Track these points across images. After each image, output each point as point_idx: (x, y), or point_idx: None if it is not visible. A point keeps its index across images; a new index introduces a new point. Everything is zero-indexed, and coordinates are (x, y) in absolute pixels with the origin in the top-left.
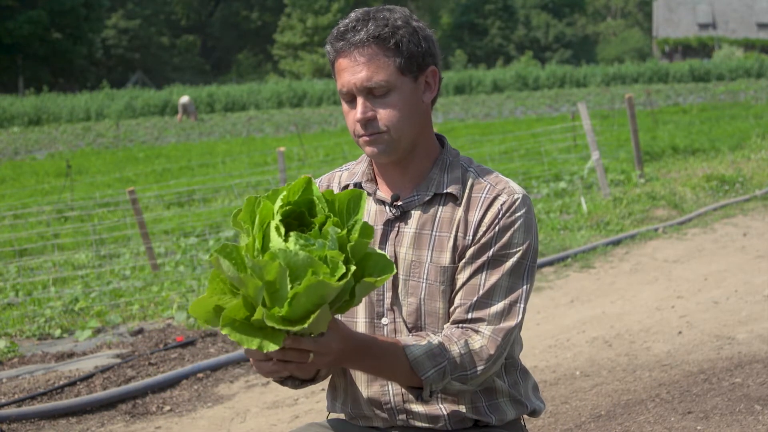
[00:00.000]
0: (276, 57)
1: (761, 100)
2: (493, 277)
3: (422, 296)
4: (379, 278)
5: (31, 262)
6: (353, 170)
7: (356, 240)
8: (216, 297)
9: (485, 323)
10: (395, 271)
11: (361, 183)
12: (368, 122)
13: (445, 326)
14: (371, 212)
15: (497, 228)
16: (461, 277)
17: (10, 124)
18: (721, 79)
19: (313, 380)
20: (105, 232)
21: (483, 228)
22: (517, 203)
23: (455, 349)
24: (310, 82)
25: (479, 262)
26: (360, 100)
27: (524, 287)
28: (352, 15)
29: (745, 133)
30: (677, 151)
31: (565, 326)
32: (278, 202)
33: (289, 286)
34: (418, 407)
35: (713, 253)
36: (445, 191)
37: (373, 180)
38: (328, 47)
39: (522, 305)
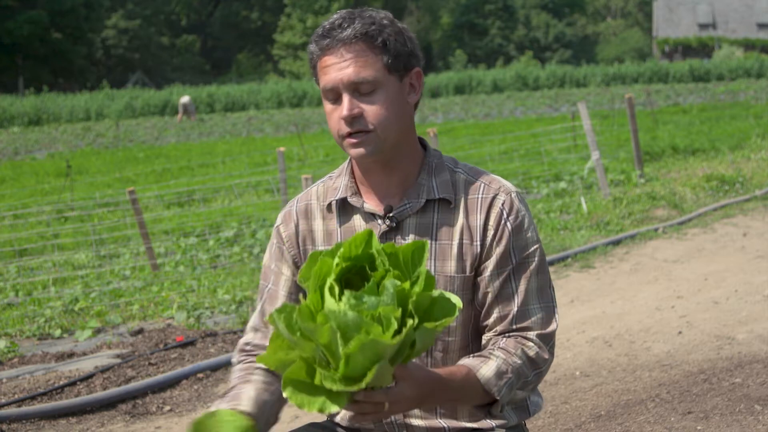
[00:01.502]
0: (276, 57)
1: (761, 100)
2: (524, 282)
3: None
4: (438, 323)
5: (31, 262)
6: (333, 185)
7: (418, 293)
8: (281, 352)
9: (532, 331)
10: (457, 313)
11: (346, 198)
12: (355, 119)
13: (490, 337)
14: (360, 228)
15: (508, 231)
16: (492, 289)
17: (10, 124)
18: (721, 79)
19: None
20: (105, 232)
21: (491, 231)
22: (516, 201)
23: (516, 361)
24: (310, 82)
25: (506, 271)
26: (346, 97)
27: (550, 284)
28: (337, 14)
29: (745, 133)
30: (677, 151)
31: (565, 326)
32: (336, 259)
33: (341, 348)
34: (418, 421)
35: (713, 253)
36: (437, 197)
37: (358, 193)
38: (312, 47)
39: (554, 305)
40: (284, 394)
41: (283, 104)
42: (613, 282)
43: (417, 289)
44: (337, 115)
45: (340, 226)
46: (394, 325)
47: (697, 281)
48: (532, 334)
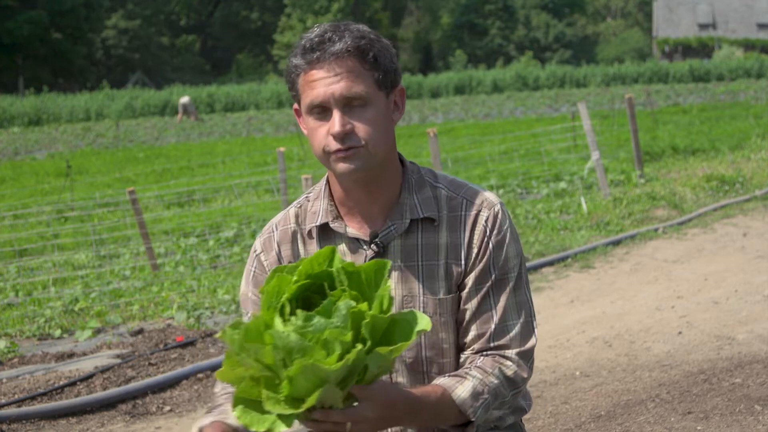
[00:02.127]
0: (276, 57)
1: (761, 100)
2: (502, 298)
3: None
4: (394, 347)
5: (31, 263)
6: (311, 208)
7: (373, 315)
8: (238, 369)
9: (510, 349)
10: (413, 337)
11: (327, 223)
12: (346, 135)
13: (468, 355)
14: (344, 253)
15: (490, 247)
16: (470, 306)
17: (10, 124)
18: (721, 80)
19: None
20: (105, 233)
21: (475, 249)
22: (499, 216)
23: (493, 381)
24: None
25: (485, 287)
26: (337, 113)
27: (529, 298)
28: (320, 29)
29: (745, 134)
30: (677, 151)
31: (565, 326)
32: (295, 276)
33: (284, 370)
34: None
35: (713, 253)
36: (421, 216)
37: (339, 217)
38: (296, 60)
39: (534, 320)
40: (233, 413)
41: (283, 104)
42: (613, 282)
43: (373, 311)
44: (324, 130)
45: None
46: (337, 350)
47: (697, 281)
48: (510, 352)
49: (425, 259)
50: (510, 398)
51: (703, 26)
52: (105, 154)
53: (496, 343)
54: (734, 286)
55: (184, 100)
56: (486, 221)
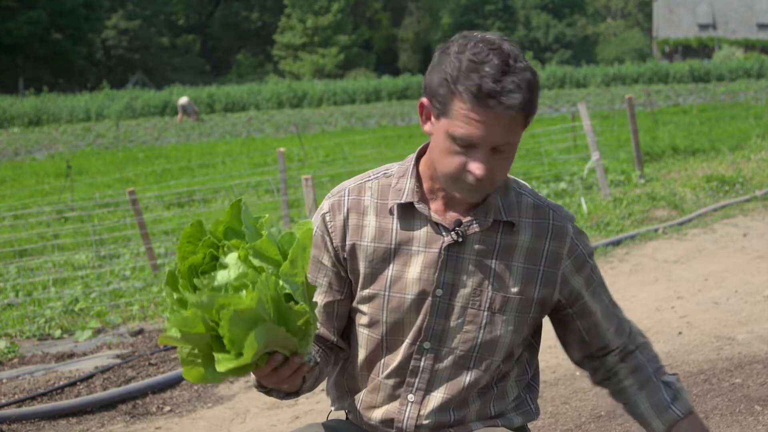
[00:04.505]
0: (276, 57)
1: (761, 100)
2: (604, 298)
3: (482, 323)
4: (292, 257)
5: (31, 263)
6: (396, 185)
7: (258, 243)
8: (193, 364)
9: (630, 334)
10: (307, 239)
11: (413, 203)
12: (486, 177)
13: (616, 355)
14: (422, 235)
15: (581, 260)
16: (597, 309)
17: (10, 125)
18: (721, 80)
19: (297, 393)
20: (105, 233)
21: (564, 260)
22: (579, 232)
23: (655, 364)
24: (310, 82)
25: (596, 292)
26: (484, 158)
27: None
28: (498, 66)
29: (745, 134)
30: (677, 151)
31: None
32: (198, 246)
33: (219, 330)
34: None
35: (713, 253)
36: (504, 219)
37: (424, 200)
38: (461, 86)
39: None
40: (184, 375)
41: (283, 105)
42: (613, 282)
43: (259, 242)
44: (462, 161)
45: (399, 229)
46: (250, 289)
47: (697, 282)
48: (635, 335)
49: (501, 258)
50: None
51: (703, 26)
52: (105, 155)
53: (624, 338)
54: (734, 286)
55: (183, 101)
56: (574, 234)
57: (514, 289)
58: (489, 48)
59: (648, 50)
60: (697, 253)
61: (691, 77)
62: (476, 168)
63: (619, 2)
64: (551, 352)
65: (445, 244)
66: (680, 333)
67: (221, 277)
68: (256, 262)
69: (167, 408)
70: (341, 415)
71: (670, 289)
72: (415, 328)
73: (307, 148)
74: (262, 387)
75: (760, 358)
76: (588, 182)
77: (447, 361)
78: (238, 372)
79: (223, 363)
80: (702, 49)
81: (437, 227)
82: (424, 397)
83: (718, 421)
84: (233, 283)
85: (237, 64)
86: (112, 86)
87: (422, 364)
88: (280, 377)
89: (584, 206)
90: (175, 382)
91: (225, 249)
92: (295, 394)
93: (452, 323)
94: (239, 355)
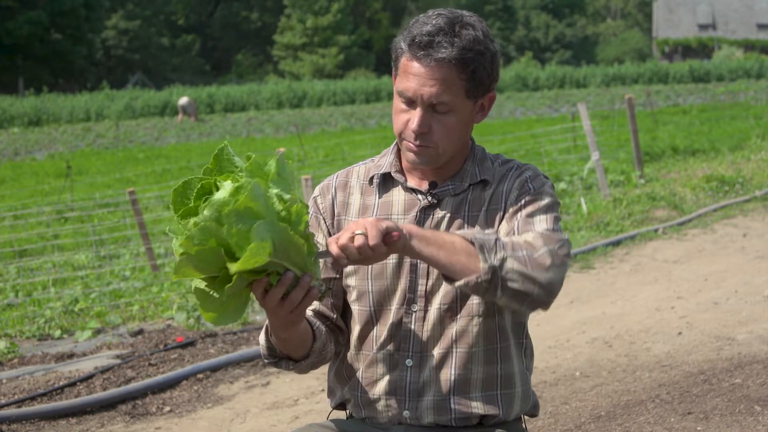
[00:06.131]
0: (276, 58)
1: (761, 100)
2: (531, 208)
3: None
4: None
5: (31, 263)
6: (378, 162)
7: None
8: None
9: (532, 233)
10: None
11: (390, 173)
12: (422, 135)
13: None
14: (400, 201)
15: (529, 187)
16: (504, 226)
17: (10, 125)
18: (721, 80)
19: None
20: (105, 233)
21: (515, 192)
22: (541, 175)
23: (516, 240)
24: (310, 82)
25: (516, 207)
26: (419, 112)
27: (560, 227)
28: (438, 21)
29: (745, 134)
30: (677, 151)
31: (565, 327)
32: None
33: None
34: (428, 398)
35: (713, 253)
36: (478, 179)
37: (401, 171)
38: (402, 44)
39: (564, 234)
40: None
41: (283, 105)
42: (613, 283)
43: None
44: (406, 118)
45: (378, 199)
46: (238, 186)
47: (697, 282)
48: (532, 233)
49: (471, 211)
50: (537, 259)
51: (703, 27)
52: (105, 155)
53: (520, 232)
54: (734, 286)
55: (182, 101)
56: (530, 176)
57: None
58: (441, 13)
59: (648, 50)
60: (697, 254)
61: (691, 77)
62: (412, 122)
63: (619, 2)
64: (551, 352)
65: (420, 207)
66: (680, 333)
67: (218, 195)
68: (248, 178)
69: (167, 408)
70: (341, 414)
71: (670, 290)
72: (399, 293)
73: (306, 148)
74: (271, 356)
75: (760, 359)
76: (588, 182)
77: (434, 319)
78: (252, 277)
79: (236, 266)
80: (702, 50)
81: (413, 193)
82: (420, 360)
83: (718, 421)
84: (229, 196)
85: (237, 65)
86: (112, 86)
87: (412, 326)
88: (293, 302)
89: (584, 206)
90: (175, 383)
91: (216, 186)
92: (303, 362)
93: (433, 281)
94: (250, 258)
